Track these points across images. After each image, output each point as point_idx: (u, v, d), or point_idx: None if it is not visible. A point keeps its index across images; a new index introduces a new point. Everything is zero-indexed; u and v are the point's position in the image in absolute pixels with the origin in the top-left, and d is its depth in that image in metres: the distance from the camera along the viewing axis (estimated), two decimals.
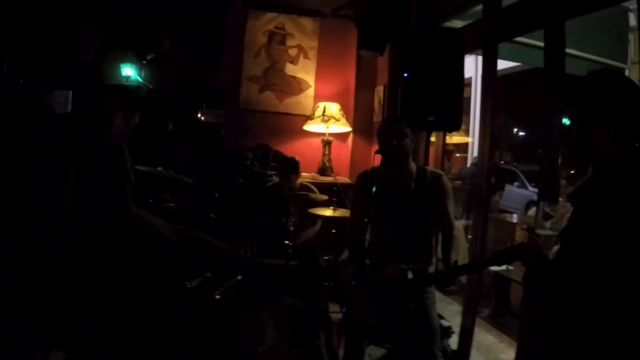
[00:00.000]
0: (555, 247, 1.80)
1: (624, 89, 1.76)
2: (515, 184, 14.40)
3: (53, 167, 3.46)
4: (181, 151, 6.69)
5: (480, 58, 6.27)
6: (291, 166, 4.80)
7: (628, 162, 1.70)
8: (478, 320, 4.89)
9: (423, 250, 3.11)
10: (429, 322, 3.05)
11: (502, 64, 6.21)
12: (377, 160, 3.15)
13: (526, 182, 14.27)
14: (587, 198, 1.73)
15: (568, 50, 4.55)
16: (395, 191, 3.14)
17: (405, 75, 3.69)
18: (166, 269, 3.88)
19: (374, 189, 3.04)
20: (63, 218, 3.24)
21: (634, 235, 1.55)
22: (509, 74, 7.58)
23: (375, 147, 3.22)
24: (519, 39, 4.50)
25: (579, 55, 4.93)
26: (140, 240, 3.22)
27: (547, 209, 2.15)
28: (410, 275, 2.89)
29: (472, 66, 7.57)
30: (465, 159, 8.76)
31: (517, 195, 13.85)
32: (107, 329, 3.17)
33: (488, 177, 4.11)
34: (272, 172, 5.41)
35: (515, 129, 26.14)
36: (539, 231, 2.09)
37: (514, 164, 19.02)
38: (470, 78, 7.80)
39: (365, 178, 3.28)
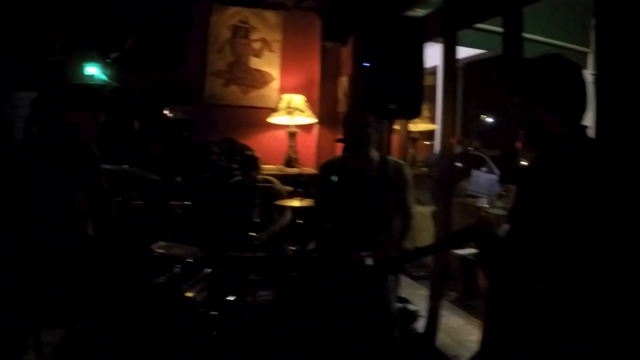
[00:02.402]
0: (506, 226, 1.86)
1: (566, 72, 1.82)
2: (484, 169, 14.54)
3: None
4: (153, 149, 6.67)
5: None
6: (250, 163, 4.82)
7: (573, 143, 1.77)
8: (446, 304, 4.98)
9: (384, 238, 3.15)
10: (388, 309, 3.11)
11: (473, 51, 6.27)
12: (339, 148, 3.19)
13: (494, 167, 14.41)
14: (532, 178, 1.79)
15: (532, 36, 4.62)
16: (357, 179, 3.17)
17: (366, 64, 3.73)
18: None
19: (335, 178, 3.08)
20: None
21: (578, 214, 1.62)
22: (478, 60, 7.60)
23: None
24: (483, 26, 4.55)
25: (543, 40, 4.98)
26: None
27: (499, 189, 2.21)
28: (369, 262, 2.93)
29: (439, 54, 7.59)
30: (433, 146, 8.82)
31: (486, 180, 14.00)
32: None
33: (450, 163, 4.19)
34: (237, 166, 5.44)
35: (484, 116, 26.29)
36: (491, 210, 2.15)
37: (483, 149, 19.16)
38: (436, 67, 7.84)
39: (328, 167, 3.31)
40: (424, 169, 7.41)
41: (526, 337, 1.74)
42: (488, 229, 1.90)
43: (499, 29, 4.54)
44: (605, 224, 1.63)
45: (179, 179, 5.14)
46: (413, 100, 3.76)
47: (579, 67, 1.83)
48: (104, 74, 7.28)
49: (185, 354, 3.85)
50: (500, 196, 2.08)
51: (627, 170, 1.71)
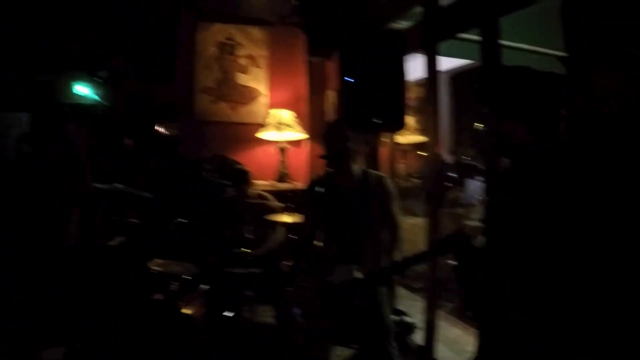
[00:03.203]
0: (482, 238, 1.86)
1: (532, 83, 1.83)
2: (479, 178, 14.50)
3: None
4: (146, 166, 6.67)
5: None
6: (240, 178, 4.82)
7: (540, 151, 1.78)
8: (445, 315, 4.94)
9: (371, 250, 3.15)
10: (382, 321, 3.10)
11: (463, 61, 6.25)
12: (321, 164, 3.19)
13: None
14: (503, 188, 1.80)
15: (515, 44, 4.61)
16: (341, 194, 3.18)
17: (346, 79, 3.73)
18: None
19: (321, 190, 3.09)
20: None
21: (547, 220, 1.62)
22: (467, 70, 7.54)
23: None
24: (468, 36, 4.54)
25: (527, 48, 4.97)
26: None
27: (475, 201, 2.22)
28: (358, 275, 2.92)
29: None
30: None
31: (479, 190, 13.97)
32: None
33: (438, 173, 4.18)
34: (230, 183, 5.44)
35: (479, 125, 26.34)
36: (467, 222, 2.15)
37: (478, 159, 19.17)
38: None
39: (316, 183, 3.32)
40: (417, 181, 7.39)
41: (501, 341, 1.74)
42: (465, 240, 1.90)
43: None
44: (564, 225, 1.61)
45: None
46: (395, 113, 3.76)
47: (546, 76, 1.83)
48: (94, 93, 7.29)
49: None
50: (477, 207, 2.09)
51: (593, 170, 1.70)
